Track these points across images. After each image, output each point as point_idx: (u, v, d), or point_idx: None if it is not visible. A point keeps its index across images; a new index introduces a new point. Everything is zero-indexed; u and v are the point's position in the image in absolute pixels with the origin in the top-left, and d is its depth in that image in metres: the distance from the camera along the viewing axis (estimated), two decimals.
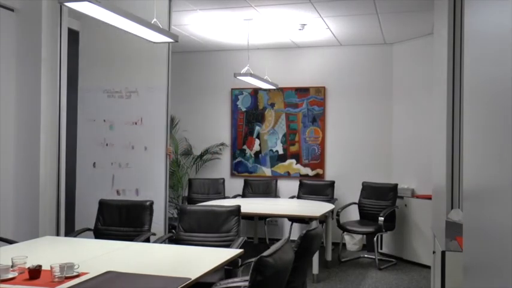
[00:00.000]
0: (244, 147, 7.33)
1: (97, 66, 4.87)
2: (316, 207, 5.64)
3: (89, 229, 4.23)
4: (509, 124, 1.07)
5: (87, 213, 4.77)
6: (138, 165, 4.73)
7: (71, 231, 4.72)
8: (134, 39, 4.74)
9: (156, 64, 4.70)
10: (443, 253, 3.19)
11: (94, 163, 4.82)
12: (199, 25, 5.97)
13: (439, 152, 4.32)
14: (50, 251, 3.28)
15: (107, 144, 4.78)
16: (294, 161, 7.17)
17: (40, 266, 2.57)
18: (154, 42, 3.85)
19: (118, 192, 4.73)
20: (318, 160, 7.06)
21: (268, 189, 7.00)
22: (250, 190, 7.03)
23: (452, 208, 3.83)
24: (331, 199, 6.61)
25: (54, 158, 4.93)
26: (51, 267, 2.52)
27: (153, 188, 4.67)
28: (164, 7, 4.58)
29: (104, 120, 4.81)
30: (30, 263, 2.62)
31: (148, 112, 4.72)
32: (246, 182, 7.07)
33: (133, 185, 4.71)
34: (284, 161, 7.21)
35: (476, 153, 1.56)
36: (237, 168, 7.38)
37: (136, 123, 4.72)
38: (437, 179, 4.50)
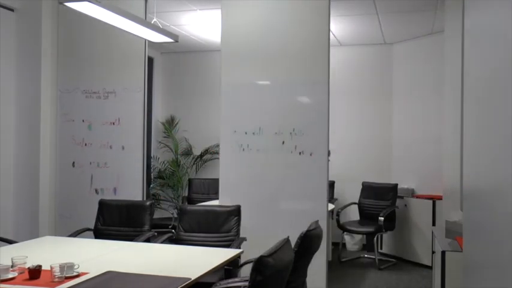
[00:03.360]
0: None
1: (76, 66, 4.92)
2: None
3: (89, 229, 4.24)
4: (508, 124, 1.07)
5: (69, 213, 4.86)
6: (116, 165, 4.79)
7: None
8: (112, 40, 4.79)
9: (133, 65, 4.78)
10: (443, 253, 3.19)
11: (73, 162, 4.88)
12: (199, 25, 5.97)
13: (452, 152, 4.33)
14: (50, 251, 3.27)
15: (85, 144, 4.85)
16: None
17: (40, 266, 2.57)
18: (153, 42, 3.85)
19: (96, 191, 4.79)
20: None
21: None
22: None
23: None
24: (331, 199, 6.60)
25: (54, 158, 4.93)
26: (51, 267, 2.52)
27: (130, 187, 4.73)
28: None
29: (83, 120, 4.88)
30: (30, 263, 2.62)
31: (125, 112, 4.80)
32: None
33: (112, 184, 4.79)
34: None
35: (476, 153, 1.56)
36: None
37: (113, 123, 4.79)
38: (449, 180, 4.50)
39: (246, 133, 4.43)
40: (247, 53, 4.49)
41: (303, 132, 4.27)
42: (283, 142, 4.31)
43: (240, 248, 3.52)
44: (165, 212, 7.11)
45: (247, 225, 4.14)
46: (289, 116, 4.32)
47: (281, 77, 4.37)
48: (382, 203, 6.20)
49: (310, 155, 4.25)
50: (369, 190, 6.47)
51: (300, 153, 4.27)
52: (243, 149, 4.41)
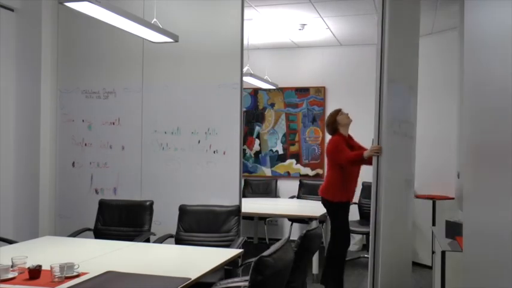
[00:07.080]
0: (244, 147, 7.33)
1: (76, 66, 4.93)
2: (316, 207, 5.64)
3: (89, 229, 4.24)
4: (508, 123, 1.07)
5: (69, 213, 4.87)
6: (116, 165, 4.80)
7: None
8: (112, 40, 4.79)
9: (132, 65, 4.79)
10: (443, 253, 3.19)
11: (73, 162, 4.89)
12: None
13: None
14: (50, 251, 3.27)
15: (85, 144, 4.86)
16: (294, 161, 7.17)
17: (40, 266, 2.57)
18: (154, 42, 3.85)
19: (96, 191, 4.80)
20: (318, 160, 7.06)
21: (268, 189, 7.00)
22: (250, 190, 7.03)
23: None
24: None
25: (54, 158, 4.94)
26: (51, 267, 2.52)
27: (130, 187, 4.73)
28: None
29: (83, 121, 4.89)
30: (30, 263, 2.62)
31: (125, 112, 4.81)
32: (246, 182, 7.06)
33: (111, 184, 4.79)
34: (284, 161, 7.21)
35: (476, 153, 1.56)
36: None
37: (113, 123, 4.80)
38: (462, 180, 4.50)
39: (165, 133, 4.67)
40: (166, 55, 4.66)
41: (216, 132, 4.55)
42: (198, 141, 4.58)
43: (240, 248, 3.51)
44: None
45: (161, 220, 4.41)
46: (204, 116, 4.58)
47: (197, 78, 4.60)
48: None
49: (224, 153, 4.53)
50: (369, 190, 6.45)
51: (214, 151, 4.55)
52: (163, 148, 4.65)
